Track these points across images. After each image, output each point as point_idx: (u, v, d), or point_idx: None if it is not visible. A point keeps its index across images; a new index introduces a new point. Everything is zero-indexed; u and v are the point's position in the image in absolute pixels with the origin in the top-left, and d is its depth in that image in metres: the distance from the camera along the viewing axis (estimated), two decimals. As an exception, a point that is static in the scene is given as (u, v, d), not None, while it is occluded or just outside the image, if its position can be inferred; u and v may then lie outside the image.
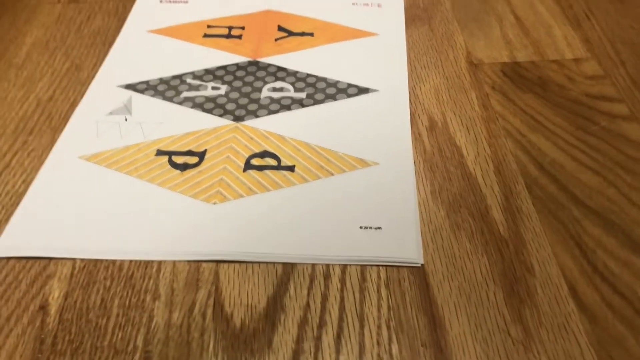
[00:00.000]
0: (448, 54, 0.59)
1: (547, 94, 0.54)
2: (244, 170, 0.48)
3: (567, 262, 0.41)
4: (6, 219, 0.45)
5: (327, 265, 0.41)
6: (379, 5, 0.66)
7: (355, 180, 0.47)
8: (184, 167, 0.48)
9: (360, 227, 0.43)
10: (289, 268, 0.41)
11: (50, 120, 0.53)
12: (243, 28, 0.64)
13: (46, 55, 0.61)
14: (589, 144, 0.49)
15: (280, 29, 0.63)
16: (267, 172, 0.48)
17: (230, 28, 0.64)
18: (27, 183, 0.47)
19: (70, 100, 0.55)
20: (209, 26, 0.64)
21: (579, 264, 0.41)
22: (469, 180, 0.47)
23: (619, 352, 0.36)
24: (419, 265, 0.41)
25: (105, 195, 0.46)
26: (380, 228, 0.43)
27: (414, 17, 0.65)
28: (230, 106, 0.54)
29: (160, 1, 0.68)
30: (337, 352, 0.36)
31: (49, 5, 0.69)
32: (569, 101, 0.53)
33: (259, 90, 0.55)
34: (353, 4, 0.67)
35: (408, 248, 0.42)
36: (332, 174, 0.47)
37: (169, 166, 0.48)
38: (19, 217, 0.45)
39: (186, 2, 0.68)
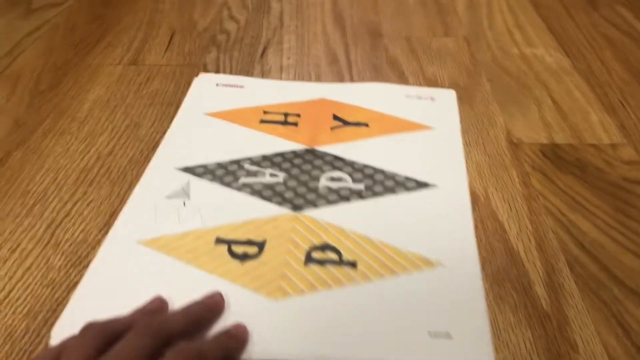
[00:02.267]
0: (489, 132, 0.62)
1: (586, 176, 0.56)
2: (305, 263, 0.47)
3: (610, 341, 0.41)
4: (65, 265, 0.46)
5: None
6: (432, 99, 0.66)
7: (420, 282, 0.45)
8: (244, 257, 0.47)
9: (429, 332, 0.42)
10: None
11: (110, 174, 0.56)
12: (299, 115, 0.64)
13: (107, 112, 0.65)
14: (629, 227, 0.50)
15: (335, 117, 0.63)
16: (328, 266, 0.46)
17: (286, 115, 0.64)
18: (85, 232, 0.49)
19: (129, 156, 0.58)
20: (265, 112, 0.64)
21: (623, 344, 0.41)
22: (512, 255, 0.48)
23: None
24: None
25: (163, 283, 0.45)
26: (448, 334, 0.41)
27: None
28: (288, 195, 0.53)
29: (217, 84, 0.69)
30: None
31: (110, 67, 0.73)
32: (608, 184, 0.55)
33: (317, 179, 0.55)
34: (407, 96, 0.67)
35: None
36: (396, 274, 0.46)
37: (229, 256, 0.47)
38: (75, 304, 0.44)
39: (242, 87, 0.69)
